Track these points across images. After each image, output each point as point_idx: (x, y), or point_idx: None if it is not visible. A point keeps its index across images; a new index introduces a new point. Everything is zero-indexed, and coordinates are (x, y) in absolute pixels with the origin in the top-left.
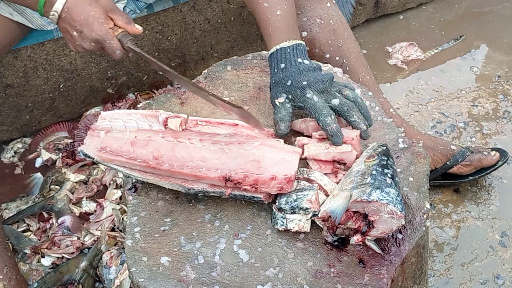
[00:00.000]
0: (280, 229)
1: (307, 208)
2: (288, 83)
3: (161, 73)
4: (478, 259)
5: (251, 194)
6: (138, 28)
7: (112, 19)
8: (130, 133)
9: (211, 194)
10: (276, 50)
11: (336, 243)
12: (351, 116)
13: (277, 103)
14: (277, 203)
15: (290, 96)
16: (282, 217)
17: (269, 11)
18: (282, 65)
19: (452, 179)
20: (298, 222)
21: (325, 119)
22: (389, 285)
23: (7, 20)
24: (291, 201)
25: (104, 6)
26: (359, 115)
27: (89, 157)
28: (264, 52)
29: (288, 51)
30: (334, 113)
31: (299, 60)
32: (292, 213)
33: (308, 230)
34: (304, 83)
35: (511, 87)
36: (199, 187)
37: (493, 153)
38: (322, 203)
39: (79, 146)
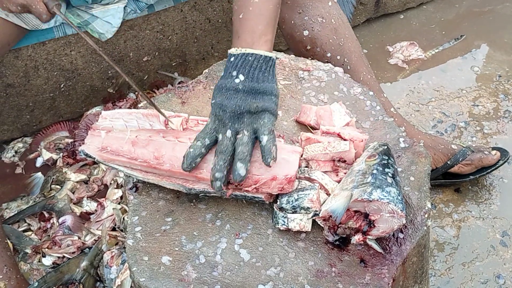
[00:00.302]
0: (282, 228)
1: (308, 208)
2: (214, 92)
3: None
4: (479, 259)
5: (252, 194)
6: None
7: None
8: (131, 132)
9: (212, 194)
10: (228, 53)
11: (337, 242)
12: (216, 157)
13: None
14: (278, 203)
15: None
16: (283, 216)
17: (236, 13)
18: (223, 73)
19: (453, 179)
20: (299, 222)
21: (194, 140)
22: (390, 284)
23: (3, 21)
24: (292, 201)
25: None
26: (224, 164)
27: (90, 156)
28: None
29: (231, 60)
30: (206, 143)
31: (234, 73)
32: (293, 213)
33: (309, 230)
34: (212, 101)
35: None
36: (200, 187)
37: (493, 152)
38: (323, 202)
39: (80, 145)
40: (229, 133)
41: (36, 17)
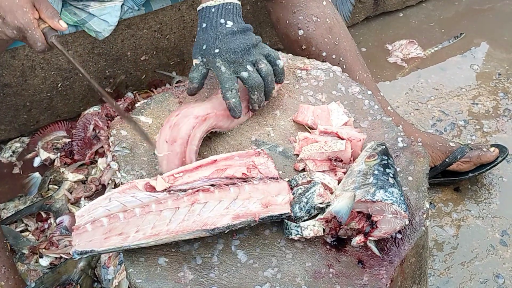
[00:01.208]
0: (296, 238)
1: (320, 203)
2: (204, 47)
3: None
4: (478, 258)
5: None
6: (62, 25)
7: (37, 10)
8: (110, 225)
9: (239, 226)
10: (202, 8)
11: (334, 243)
12: (253, 94)
13: (193, 63)
14: (292, 214)
15: (204, 60)
16: (296, 226)
17: None
18: (204, 25)
19: (451, 177)
20: (313, 228)
21: (225, 92)
22: (388, 285)
23: None
24: (303, 206)
25: None
26: (261, 95)
27: (87, 252)
28: None
29: (213, 10)
30: (237, 88)
31: (221, 21)
32: (309, 218)
33: (323, 233)
34: (216, 50)
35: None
36: (223, 223)
37: (492, 149)
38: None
39: (77, 145)
40: (250, 67)
41: (29, 45)
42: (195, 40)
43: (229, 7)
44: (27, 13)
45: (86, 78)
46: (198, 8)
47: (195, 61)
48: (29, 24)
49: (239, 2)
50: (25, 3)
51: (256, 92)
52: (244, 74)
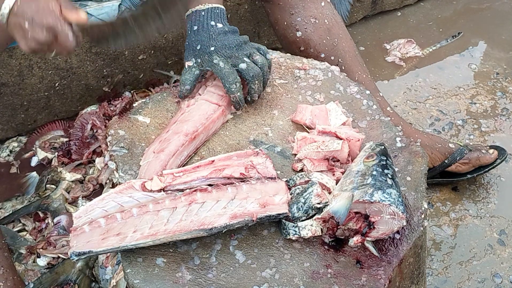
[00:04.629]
0: (294, 238)
1: (318, 203)
2: (198, 47)
3: (120, 39)
4: (476, 258)
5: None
6: (83, 16)
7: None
8: (107, 225)
9: (236, 226)
10: (192, 12)
11: (332, 243)
12: (253, 84)
13: (186, 66)
14: (290, 215)
15: (199, 60)
16: (293, 226)
17: None
18: (195, 28)
19: (450, 177)
20: (311, 228)
21: (230, 86)
22: (387, 285)
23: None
24: (301, 206)
25: None
26: (260, 84)
27: (85, 253)
28: None
29: (203, 14)
30: (239, 80)
31: (212, 23)
32: (307, 218)
33: (321, 234)
34: (212, 48)
35: (510, 84)
36: (221, 223)
37: (491, 151)
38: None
39: (75, 145)
40: (247, 59)
41: (58, 44)
42: (186, 43)
43: (217, 11)
44: (54, 11)
45: (121, 19)
46: (187, 13)
47: (187, 64)
48: (59, 20)
49: (224, 8)
50: (50, 0)
51: (256, 82)
52: (243, 65)
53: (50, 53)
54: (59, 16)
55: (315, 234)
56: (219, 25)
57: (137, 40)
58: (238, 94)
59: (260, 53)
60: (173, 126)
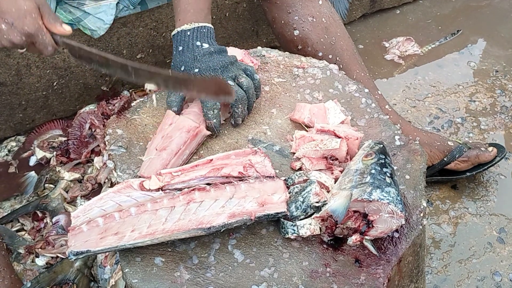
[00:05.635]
0: (292, 237)
1: (316, 202)
2: (182, 69)
3: (104, 70)
4: (475, 256)
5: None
6: (66, 29)
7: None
8: (106, 225)
9: (235, 225)
10: (177, 32)
11: (331, 242)
12: (237, 108)
13: None
14: (288, 214)
15: None
16: (292, 225)
17: None
18: (180, 48)
19: (449, 175)
20: (309, 226)
21: (207, 112)
22: (386, 284)
23: None
24: (300, 205)
25: (36, 0)
26: (244, 108)
27: (83, 253)
28: (259, 48)
29: (188, 34)
30: (218, 107)
31: (198, 43)
32: (305, 217)
33: (319, 232)
34: (196, 70)
35: (509, 82)
36: (219, 222)
37: (490, 148)
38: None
39: (73, 144)
40: (231, 82)
41: (37, 50)
42: (172, 64)
43: (204, 30)
44: (36, 19)
45: (119, 62)
46: (173, 33)
47: None
48: (40, 30)
49: (212, 26)
50: (33, 10)
51: (240, 106)
52: None
53: (21, 50)
54: (41, 26)
55: (314, 233)
56: (205, 45)
57: (120, 76)
58: (214, 121)
59: (247, 74)
60: (177, 119)
